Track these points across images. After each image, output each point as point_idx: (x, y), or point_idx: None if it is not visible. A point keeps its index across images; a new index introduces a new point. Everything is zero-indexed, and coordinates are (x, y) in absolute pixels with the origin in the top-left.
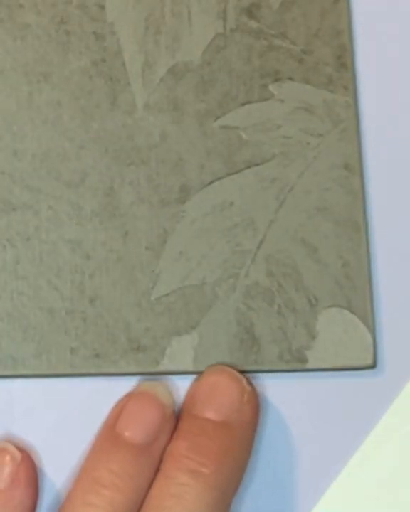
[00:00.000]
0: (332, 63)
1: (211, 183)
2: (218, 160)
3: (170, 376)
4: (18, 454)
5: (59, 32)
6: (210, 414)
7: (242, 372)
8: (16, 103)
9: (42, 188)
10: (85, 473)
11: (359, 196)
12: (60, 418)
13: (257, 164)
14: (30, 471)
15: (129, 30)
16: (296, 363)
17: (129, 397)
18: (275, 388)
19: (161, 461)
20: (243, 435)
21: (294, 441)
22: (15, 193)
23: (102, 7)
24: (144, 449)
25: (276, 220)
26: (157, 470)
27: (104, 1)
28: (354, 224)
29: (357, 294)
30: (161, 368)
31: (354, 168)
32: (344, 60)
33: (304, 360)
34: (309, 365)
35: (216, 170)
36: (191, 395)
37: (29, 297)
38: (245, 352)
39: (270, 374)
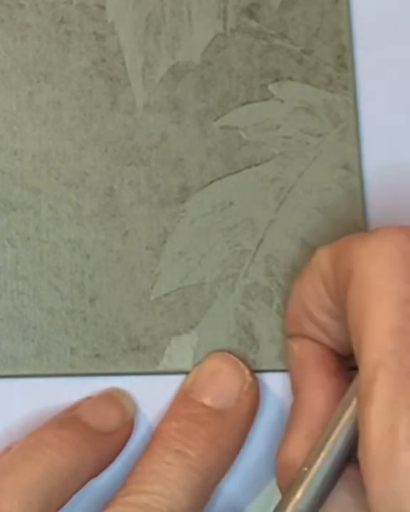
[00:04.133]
0: (332, 63)
1: (210, 182)
2: (218, 160)
3: (169, 375)
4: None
5: (59, 32)
6: (207, 400)
7: None
8: (16, 103)
9: (42, 187)
10: (32, 436)
11: (358, 196)
12: None
13: (257, 164)
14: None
15: (130, 30)
16: None
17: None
18: (273, 388)
19: (111, 454)
20: (236, 425)
21: None
22: (15, 192)
23: (103, 7)
24: (96, 433)
25: (276, 219)
26: (113, 457)
27: (104, 1)
28: (353, 224)
29: None
30: (160, 367)
31: (353, 168)
32: (344, 60)
33: None
34: None
35: (216, 170)
36: (191, 378)
37: (29, 297)
38: (244, 352)
39: (268, 374)
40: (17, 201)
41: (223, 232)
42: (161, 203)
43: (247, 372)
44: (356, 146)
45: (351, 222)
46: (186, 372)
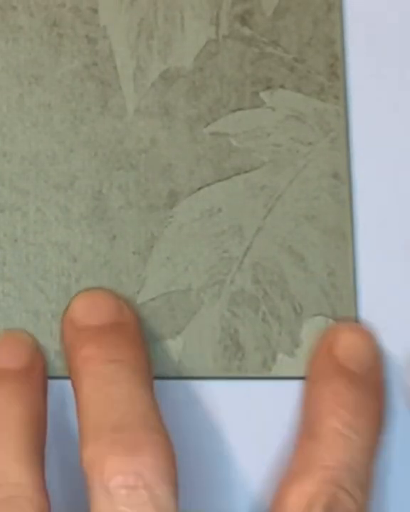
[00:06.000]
0: (323, 72)
1: (199, 188)
2: (207, 166)
3: (154, 381)
4: None
5: (51, 34)
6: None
7: (225, 378)
8: (7, 105)
9: (30, 190)
10: None
11: (347, 205)
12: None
13: (246, 171)
14: None
15: (122, 34)
16: (280, 371)
17: None
18: (257, 396)
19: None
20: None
21: (275, 448)
22: (3, 194)
23: (95, 11)
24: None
25: (264, 227)
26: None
27: (97, 4)
28: (341, 233)
29: (343, 304)
30: None
31: (343, 177)
32: (335, 69)
33: (288, 368)
34: (292, 373)
35: (205, 176)
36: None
37: (15, 299)
38: (229, 358)
39: (253, 381)
40: (5, 203)
41: (210, 239)
42: (149, 207)
43: None
44: (346, 155)
45: (339, 231)
46: (170, 378)
